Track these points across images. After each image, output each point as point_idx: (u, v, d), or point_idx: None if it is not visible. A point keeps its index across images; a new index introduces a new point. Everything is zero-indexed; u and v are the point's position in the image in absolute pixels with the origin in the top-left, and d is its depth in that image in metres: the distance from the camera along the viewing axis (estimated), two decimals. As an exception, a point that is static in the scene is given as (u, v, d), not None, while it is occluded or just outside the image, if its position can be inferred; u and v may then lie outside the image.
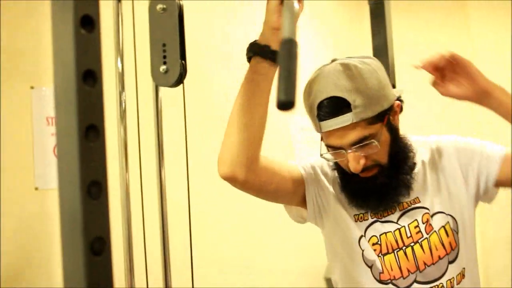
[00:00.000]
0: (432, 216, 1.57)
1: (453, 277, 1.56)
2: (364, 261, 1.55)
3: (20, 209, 2.59)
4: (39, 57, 2.67)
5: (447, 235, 1.57)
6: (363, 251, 1.55)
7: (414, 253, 1.54)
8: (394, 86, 1.71)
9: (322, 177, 1.61)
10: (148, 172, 2.16)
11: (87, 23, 0.74)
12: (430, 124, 5.38)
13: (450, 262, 1.56)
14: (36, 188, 2.64)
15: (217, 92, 3.20)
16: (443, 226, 1.57)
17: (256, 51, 1.33)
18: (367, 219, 1.56)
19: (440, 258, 1.55)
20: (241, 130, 1.35)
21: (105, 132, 0.75)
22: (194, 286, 2.07)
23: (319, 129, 1.46)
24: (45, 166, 2.67)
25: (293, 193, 1.57)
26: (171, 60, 1.72)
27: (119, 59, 2.17)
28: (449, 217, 1.58)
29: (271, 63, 1.31)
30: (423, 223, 1.56)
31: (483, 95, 1.43)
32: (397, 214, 1.56)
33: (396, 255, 1.54)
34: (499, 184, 1.58)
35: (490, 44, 5.17)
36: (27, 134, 2.64)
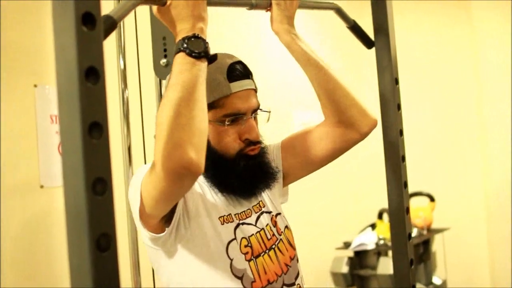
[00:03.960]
0: (276, 217, 1.60)
1: (302, 275, 1.60)
2: (233, 272, 1.43)
3: (25, 207, 2.60)
4: (41, 55, 2.67)
5: (291, 234, 1.62)
6: (231, 260, 1.43)
7: (277, 256, 1.52)
8: (397, 81, 1.70)
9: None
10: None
11: (88, 21, 0.74)
12: (430, 120, 5.38)
13: (297, 261, 1.60)
14: (42, 186, 2.65)
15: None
16: (286, 226, 1.62)
17: (205, 47, 1.25)
18: (232, 221, 1.48)
19: (291, 258, 1.57)
20: (199, 114, 1.20)
21: (109, 129, 0.75)
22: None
23: (228, 91, 1.44)
24: (50, 164, 2.68)
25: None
26: (171, 53, 1.73)
27: (121, 56, 2.17)
28: (283, 217, 1.64)
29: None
30: (274, 226, 1.57)
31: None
32: (254, 216, 1.54)
33: (264, 259, 1.49)
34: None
35: (493, 40, 5.16)
36: (31, 132, 2.65)
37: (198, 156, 1.15)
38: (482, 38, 5.25)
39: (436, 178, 5.19)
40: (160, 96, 2.09)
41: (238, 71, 1.48)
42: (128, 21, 2.18)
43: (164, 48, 1.76)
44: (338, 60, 4.82)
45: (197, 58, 1.23)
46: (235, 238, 1.46)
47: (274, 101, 4.09)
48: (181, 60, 1.23)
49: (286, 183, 1.70)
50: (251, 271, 1.45)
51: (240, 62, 1.51)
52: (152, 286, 2.28)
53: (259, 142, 1.52)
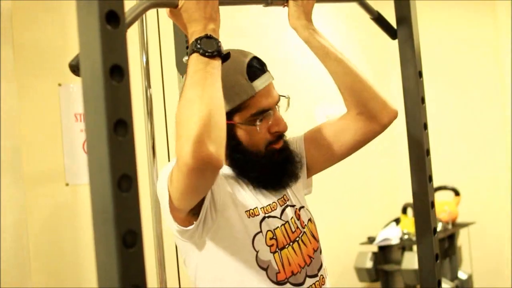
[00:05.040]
0: (299, 210, 1.62)
1: (325, 267, 1.62)
2: (258, 264, 1.46)
3: (51, 204, 2.63)
4: (66, 54, 2.70)
5: (314, 227, 1.64)
6: (257, 252, 1.46)
7: (300, 248, 1.55)
8: (421, 74, 1.69)
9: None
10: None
11: (112, 19, 0.74)
12: (455, 113, 5.34)
13: (320, 252, 1.62)
14: (67, 184, 2.68)
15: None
16: (309, 219, 1.64)
17: (218, 48, 1.28)
18: (258, 214, 1.50)
19: (314, 250, 1.59)
20: (221, 109, 1.24)
21: (134, 126, 0.76)
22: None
23: (252, 92, 1.46)
24: (75, 162, 2.71)
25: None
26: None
27: (144, 54, 2.18)
28: (307, 210, 1.66)
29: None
30: (297, 219, 1.60)
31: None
32: (279, 209, 1.56)
33: (289, 251, 1.52)
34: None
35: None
36: (56, 130, 2.67)
37: (217, 149, 1.18)
38: (506, 31, 5.18)
39: (461, 172, 5.14)
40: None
41: (256, 67, 1.50)
42: (151, 18, 2.19)
43: (187, 45, 1.76)
44: (360, 54, 4.79)
45: (210, 57, 1.26)
46: (260, 231, 1.48)
47: (296, 96, 4.08)
48: (195, 61, 1.26)
49: (309, 175, 1.71)
50: (276, 262, 1.48)
51: (255, 58, 1.53)
52: (177, 283, 2.30)
53: (282, 135, 1.55)
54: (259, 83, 1.48)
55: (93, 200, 0.73)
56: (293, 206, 1.61)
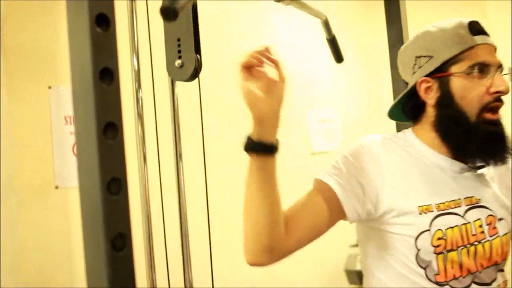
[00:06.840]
0: (498, 220, 1.50)
1: (499, 285, 1.50)
2: (418, 262, 1.41)
3: (41, 207, 2.62)
4: (56, 56, 2.69)
5: (507, 243, 1.51)
6: (418, 250, 1.40)
7: (476, 253, 1.44)
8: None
9: (365, 163, 1.46)
10: (166, 169, 2.17)
11: (102, 22, 0.74)
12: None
13: (500, 270, 1.50)
14: (57, 187, 2.66)
15: (233, 88, 3.20)
16: (506, 234, 1.51)
17: (251, 148, 1.30)
18: (432, 211, 1.41)
19: (496, 263, 1.48)
20: (257, 218, 1.32)
21: (124, 129, 0.75)
22: (214, 277, 2.08)
23: (472, 43, 1.41)
24: (64, 165, 2.70)
25: (331, 216, 1.48)
26: (186, 55, 1.73)
27: (134, 57, 2.18)
28: (510, 226, 1.54)
29: (268, 155, 1.30)
30: (487, 225, 1.47)
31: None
32: (463, 207, 1.45)
33: (459, 253, 1.41)
34: None
35: (507, 39, 5.11)
36: (46, 133, 2.66)
37: (255, 258, 1.36)
38: (496, 31, 5.20)
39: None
40: (173, 97, 2.10)
41: (478, 27, 1.45)
42: (141, 19, 2.19)
43: (179, 49, 1.76)
44: (352, 57, 4.80)
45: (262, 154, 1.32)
46: (429, 230, 1.40)
47: (288, 99, 4.07)
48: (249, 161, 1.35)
49: None
50: (437, 264, 1.40)
51: (479, 23, 1.47)
52: (167, 285, 2.29)
53: (502, 103, 1.44)
54: (480, 38, 1.43)
55: (82, 203, 0.73)
56: (488, 208, 1.49)
